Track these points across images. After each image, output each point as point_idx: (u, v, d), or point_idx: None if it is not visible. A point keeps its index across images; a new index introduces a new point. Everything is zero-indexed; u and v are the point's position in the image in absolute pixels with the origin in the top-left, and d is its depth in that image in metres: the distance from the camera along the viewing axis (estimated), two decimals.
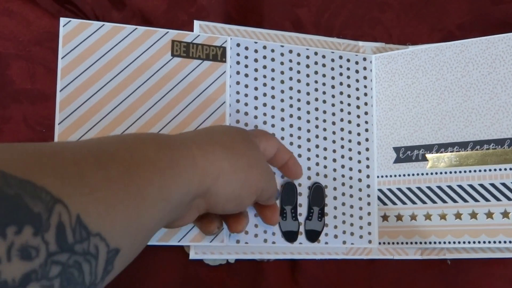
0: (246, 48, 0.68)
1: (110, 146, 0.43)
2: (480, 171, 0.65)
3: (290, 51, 0.70)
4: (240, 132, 0.57)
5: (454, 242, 0.65)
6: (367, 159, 0.71)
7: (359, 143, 0.71)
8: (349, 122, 0.71)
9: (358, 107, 0.71)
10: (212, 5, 0.73)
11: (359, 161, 0.71)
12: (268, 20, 0.75)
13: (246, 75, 0.68)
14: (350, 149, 0.70)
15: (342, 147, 0.70)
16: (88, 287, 0.37)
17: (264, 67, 0.69)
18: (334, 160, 0.69)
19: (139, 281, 0.67)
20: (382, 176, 0.70)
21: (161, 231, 0.64)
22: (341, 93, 0.71)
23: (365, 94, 0.72)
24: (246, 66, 0.68)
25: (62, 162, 0.37)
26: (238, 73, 0.67)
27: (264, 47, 0.69)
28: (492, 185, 0.64)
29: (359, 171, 0.70)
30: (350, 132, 0.71)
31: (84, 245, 0.36)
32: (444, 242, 0.66)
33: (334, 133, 0.70)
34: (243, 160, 0.52)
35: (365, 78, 0.72)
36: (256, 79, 0.68)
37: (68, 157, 0.38)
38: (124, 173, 0.40)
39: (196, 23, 0.69)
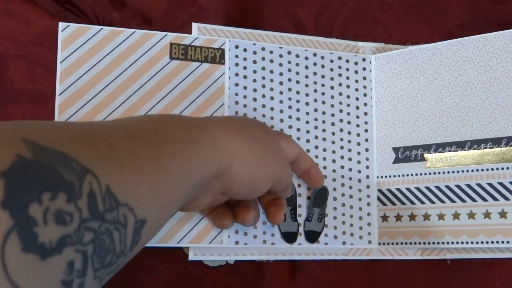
0: (245, 50, 0.69)
1: (136, 124, 0.45)
2: (477, 170, 0.65)
3: (289, 53, 0.70)
4: (261, 124, 0.59)
5: (453, 243, 0.65)
6: (367, 159, 0.71)
7: (358, 143, 0.71)
8: (349, 122, 0.71)
9: (357, 107, 0.71)
10: (212, 5, 0.73)
11: (359, 162, 0.70)
12: (268, 20, 0.75)
13: (245, 77, 0.68)
14: (349, 150, 0.70)
15: (342, 147, 0.70)
16: (118, 255, 0.39)
17: (263, 68, 0.69)
18: (334, 161, 0.69)
19: (139, 282, 0.67)
20: (381, 177, 0.70)
21: (161, 232, 0.64)
22: (340, 93, 0.71)
23: (365, 95, 0.72)
24: (245, 67, 0.68)
25: (92, 136, 0.40)
26: (236, 75, 0.68)
27: (263, 49, 0.69)
28: (490, 184, 0.64)
29: (359, 171, 0.70)
30: (349, 132, 0.71)
31: (114, 214, 0.37)
32: (443, 242, 0.66)
33: (333, 134, 0.70)
34: (262, 147, 0.54)
35: (364, 78, 0.72)
36: (255, 80, 0.68)
37: (97, 132, 0.41)
38: (149, 148, 0.43)
39: (195, 25, 0.69)
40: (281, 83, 0.69)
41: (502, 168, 0.64)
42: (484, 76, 0.66)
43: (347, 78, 0.72)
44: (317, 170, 0.66)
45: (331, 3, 0.76)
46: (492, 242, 0.63)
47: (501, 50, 0.65)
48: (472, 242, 0.64)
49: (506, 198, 0.63)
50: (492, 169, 0.64)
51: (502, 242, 0.62)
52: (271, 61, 0.69)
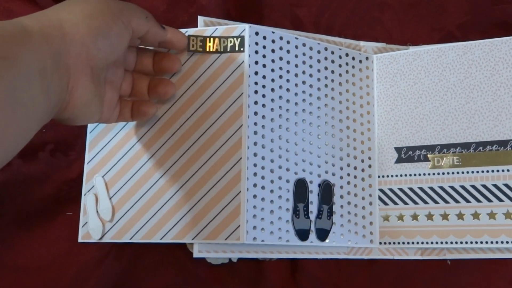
0: (264, 38, 0.67)
1: None
2: (483, 172, 0.66)
3: (304, 44, 0.69)
4: None
5: (456, 242, 0.66)
6: (369, 158, 0.71)
7: (362, 142, 0.71)
8: (354, 120, 0.71)
9: (361, 105, 0.72)
10: (211, 4, 0.73)
11: (362, 160, 0.71)
12: (268, 20, 0.75)
13: (264, 66, 0.66)
14: (354, 148, 0.70)
15: (348, 145, 0.70)
16: None
17: (280, 58, 0.67)
18: (341, 158, 0.69)
19: (139, 281, 0.67)
20: (383, 176, 0.71)
21: (175, 229, 0.63)
22: (347, 90, 0.71)
23: (367, 94, 0.72)
24: (264, 56, 0.66)
25: None
26: (256, 62, 0.66)
27: (281, 38, 0.68)
28: (495, 186, 0.65)
29: (362, 170, 0.70)
30: (354, 130, 0.71)
31: None
32: (446, 242, 0.66)
33: (341, 130, 0.70)
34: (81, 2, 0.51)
35: (367, 77, 0.72)
36: (273, 70, 0.67)
37: None
38: None
39: (200, 18, 0.67)
40: (296, 75, 0.68)
41: (508, 170, 0.65)
42: (490, 80, 0.67)
43: (353, 75, 0.72)
44: (173, 30, 0.64)
45: (331, 3, 0.76)
46: (497, 242, 0.64)
47: (507, 55, 0.66)
48: (476, 242, 0.65)
49: (511, 199, 0.64)
50: (498, 171, 0.65)
51: (507, 242, 0.63)
52: (288, 51, 0.68)
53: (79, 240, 0.65)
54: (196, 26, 0.67)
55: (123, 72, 0.60)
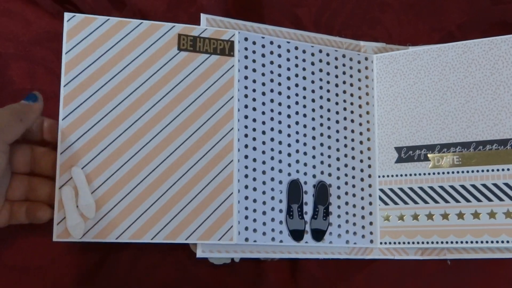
0: (254, 43, 0.68)
1: None
2: (483, 171, 0.65)
3: (296, 48, 0.70)
4: None
5: (457, 242, 0.65)
6: (369, 158, 0.71)
7: (361, 142, 0.71)
8: (352, 121, 0.71)
9: (360, 106, 0.71)
10: (211, 5, 0.73)
11: (361, 161, 0.71)
12: (269, 20, 0.75)
13: (254, 70, 0.67)
14: (353, 148, 0.70)
15: (346, 146, 0.70)
16: None
17: (271, 62, 0.68)
18: (338, 159, 0.69)
19: (139, 280, 0.67)
20: (383, 176, 0.70)
21: (168, 227, 0.63)
22: (344, 91, 0.71)
23: (367, 94, 0.72)
24: (254, 61, 0.67)
25: None
26: (246, 67, 0.67)
27: (271, 43, 0.69)
28: (495, 185, 0.65)
29: (361, 170, 0.70)
30: (353, 131, 0.71)
31: None
32: (447, 242, 0.66)
33: (338, 131, 0.70)
34: None
35: (366, 77, 0.72)
36: (263, 74, 0.67)
37: None
38: None
39: (203, 16, 0.68)
40: (288, 78, 0.69)
41: (508, 169, 0.64)
42: (490, 79, 0.66)
43: (351, 76, 0.72)
44: None
45: (331, 3, 0.76)
46: (497, 242, 0.63)
47: (507, 53, 0.66)
48: (477, 242, 0.64)
49: None
50: (498, 170, 0.65)
51: (507, 241, 0.63)
52: (279, 55, 0.69)
53: (54, 239, 0.60)
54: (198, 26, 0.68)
55: (8, 179, 0.61)
